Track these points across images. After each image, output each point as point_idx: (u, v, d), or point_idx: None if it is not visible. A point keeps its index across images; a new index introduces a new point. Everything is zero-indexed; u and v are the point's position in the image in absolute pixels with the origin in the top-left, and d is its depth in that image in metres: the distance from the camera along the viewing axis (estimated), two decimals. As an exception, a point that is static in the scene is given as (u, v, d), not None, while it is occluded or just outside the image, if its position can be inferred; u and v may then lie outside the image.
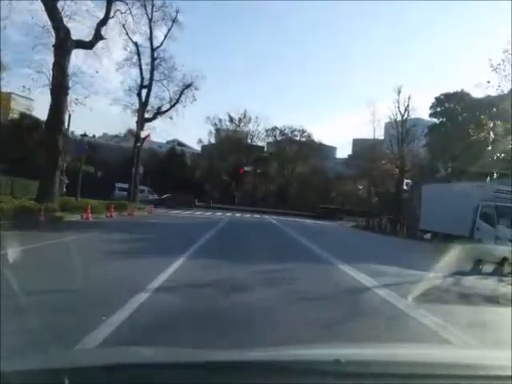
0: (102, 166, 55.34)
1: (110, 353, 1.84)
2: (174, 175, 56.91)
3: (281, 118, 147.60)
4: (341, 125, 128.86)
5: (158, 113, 33.96)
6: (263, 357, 1.48)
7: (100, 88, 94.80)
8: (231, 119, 63.77)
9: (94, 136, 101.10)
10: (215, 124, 64.37)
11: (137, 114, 33.98)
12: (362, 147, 76.44)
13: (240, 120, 63.52)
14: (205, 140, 66.93)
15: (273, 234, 20.10)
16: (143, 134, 30.49)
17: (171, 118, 34.40)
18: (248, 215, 43.16)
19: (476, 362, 1.44)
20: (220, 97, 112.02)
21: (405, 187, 53.38)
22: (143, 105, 34.00)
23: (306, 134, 66.56)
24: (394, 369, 1.28)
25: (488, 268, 12.30)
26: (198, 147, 73.46)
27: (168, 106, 34.47)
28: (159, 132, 33.68)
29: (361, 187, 72.26)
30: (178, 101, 34.00)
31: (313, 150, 68.10)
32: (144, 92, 34.45)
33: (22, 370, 1.16)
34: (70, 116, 36.88)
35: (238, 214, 42.35)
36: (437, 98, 45.76)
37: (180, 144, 79.20)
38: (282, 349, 1.91)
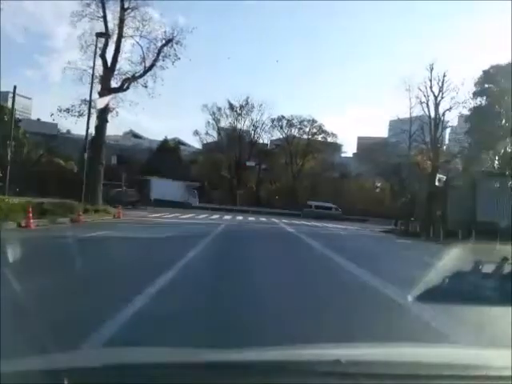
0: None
1: (110, 353, 1.78)
2: (166, 173, 46.58)
3: (287, 108, 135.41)
4: (344, 122, 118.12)
5: (128, 79, 23.62)
6: (263, 357, 1.35)
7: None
8: (231, 107, 53.25)
9: (91, 134, 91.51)
10: (213, 113, 53.88)
11: (100, 82, 23.61)
12: (374, 143, 66.84)
13: (241, 107, 52.98)
14: (202, 131, 56.32)
15: (318, 274, 8.55)
16: (101, 103, 20.12)
17: (146, 86, 24.09)
18: (252, 218, 32.73)
19: (476, 362, 1.35)
20: (221, 87, 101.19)
21: (436, 183, 43.02)
22: (108, 69, 23.66)
23: (316, 124, 56.01)
24: (394, 369, 1.22)
25: None
26: (194, 140, 63.18)
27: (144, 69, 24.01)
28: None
29: (379, 184, 61.87)
30: (155, 61, 23.72)
31: (325, 143, 57.66)
32: (110, 57, 24.04)
33: (22, 370, 1.12)
34: (15, 88, 26.68)
35: (239, 217, 31.90)
36: (485, 72, 35.24)
37: (180, 143, 69.26)
38: (282, 349, 1.64)
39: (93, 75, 20.71)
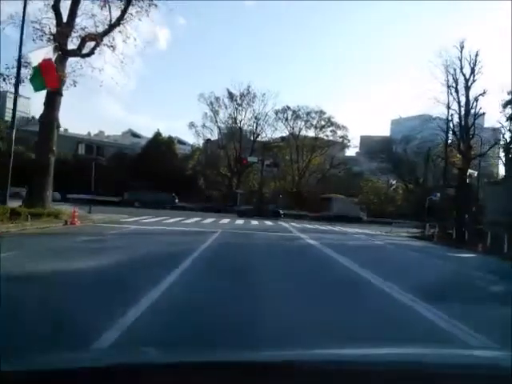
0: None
1: (111, 353, 1.75)
2: (157, 169, 40.02)
3: (293, 98, 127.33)
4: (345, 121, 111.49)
5: (89, 35, 17.02)
6: (263, 357, 1.28)
7: None
8: (231, 96, 46.47)
9: (89, 134, 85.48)
10: (211, 103, 47.09)
11: (51, 41, 16.99)
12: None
13: (242, 96, 46.21)
14: (198, 123, 49.34)
15: None
16: (35, 58, 13.41)
17: (112, 46, 17.48)
18: (255, 222, 26.08)
19: (476, 362, 1.34)
20: (221, 79, 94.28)
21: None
22: (64, 26, 17.04)
23: (325, 116, 49.36)
24: (394, 369, 1.16)
25: None
26: (190, 134, 56.47)
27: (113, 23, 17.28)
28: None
29: (394, 182, 55.19)
30: (124, 13, 17.08)
31: (333, 138, 50.94)
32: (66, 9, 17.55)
33: (22, 370, 1.07)
34: None
35: (239, 221, 25.28)
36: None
37: (180, 142, 62.87)
38: (283, 349, 1.51)
39: (23, 19, 14.01)
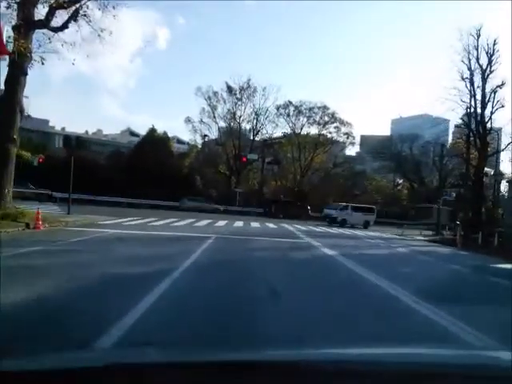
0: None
1: (110, 353, 1.73)
2: (151, 167, 36.99)
3: (295, 94, 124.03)
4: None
5: (56, 1, 14.02)
6: (263, 357, 1.26)
7: None
8: (230, 90, 43.37)
9: (86, 132, 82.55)
10: (209, 98, 43.98)
11: (15, 11, 14.01)
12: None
13: (242, 90, 43.09)
14: (195, 119, 46.07)
15: None
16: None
17: (86, 15, 14.46)
18: (256, 224, 23.07)
19: (476, 362, 1.30)
20: (221, 78, 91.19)
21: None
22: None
23: (328, 111, 46.32)
24: (394, 369, 1.14)
25: None
26: (189, 132, 53.68)
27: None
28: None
29: (400, 181, 52.25)
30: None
31: (338, 134, 47.89)
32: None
33: (23, 370, 1.05)
34: None
35: (238, 224, 22.25)
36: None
37: (180, 141, 59.81)
38: (283, 349, 1.52)
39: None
